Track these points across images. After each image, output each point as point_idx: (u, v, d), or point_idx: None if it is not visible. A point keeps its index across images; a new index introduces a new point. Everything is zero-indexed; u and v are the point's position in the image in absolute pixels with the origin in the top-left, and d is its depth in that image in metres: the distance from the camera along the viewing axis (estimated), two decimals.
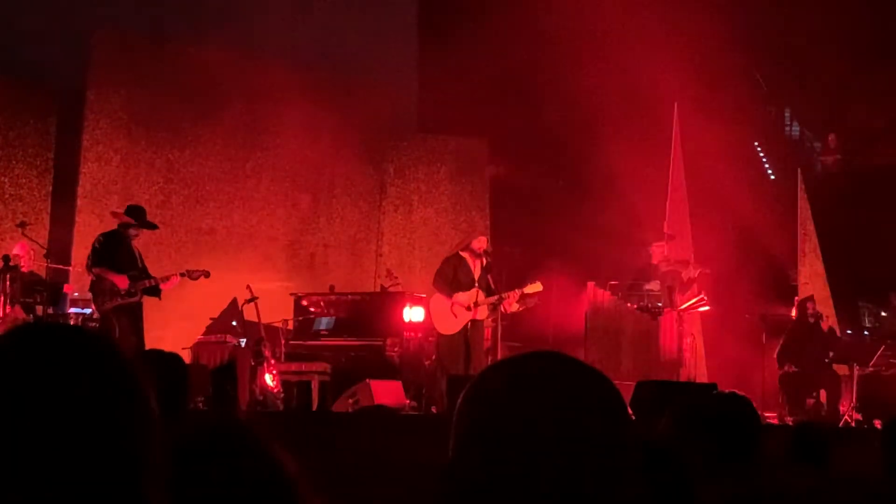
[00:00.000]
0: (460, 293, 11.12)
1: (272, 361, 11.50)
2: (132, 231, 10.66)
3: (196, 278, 10.93)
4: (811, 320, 13.30)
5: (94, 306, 10.70)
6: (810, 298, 13.68)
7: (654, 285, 13.41)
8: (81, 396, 1.21)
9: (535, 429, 1.37)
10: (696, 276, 13.39)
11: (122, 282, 10.36)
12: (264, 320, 12.00)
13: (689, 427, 3.13)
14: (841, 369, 12.84)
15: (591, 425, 1.38)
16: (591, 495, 1.37)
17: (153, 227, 10.99)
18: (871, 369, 12.56)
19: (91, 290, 10.58)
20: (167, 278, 10.60)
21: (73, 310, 12.14)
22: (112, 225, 10.93)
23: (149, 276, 10.61)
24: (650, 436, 2.63)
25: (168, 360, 4.66)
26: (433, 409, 11.09)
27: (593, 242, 14.87)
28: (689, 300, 12.97)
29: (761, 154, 17.98)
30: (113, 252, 10.51)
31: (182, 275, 10.77)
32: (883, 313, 14.96)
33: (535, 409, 1.38)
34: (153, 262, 11.56)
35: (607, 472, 1.38)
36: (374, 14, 15.95)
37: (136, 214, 10.73)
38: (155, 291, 10.61)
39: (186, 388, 4.65)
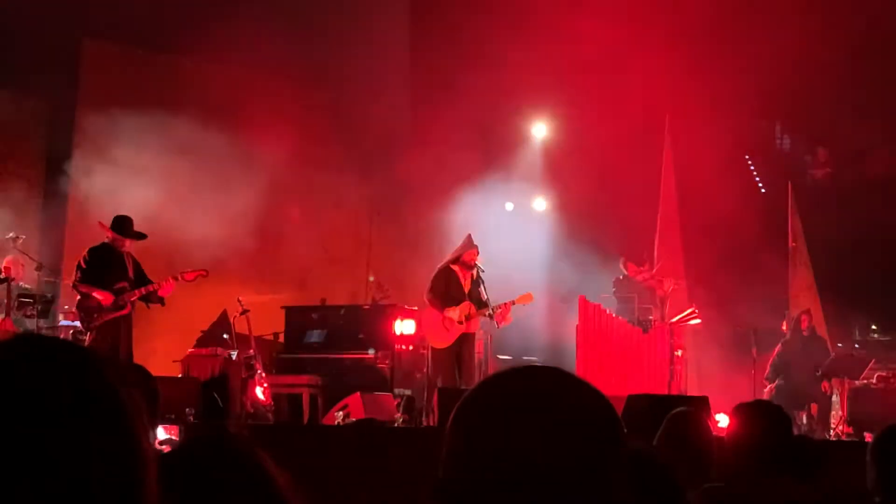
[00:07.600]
0: (451, 308, 11.06)
1: (263, 374, 11.49)
2: (120, 242, 10.54)
3: (192, 279, 10.86)
4: (806, 333, 13.28)
5: (82, 324, 10.60)
6: (807, 312, 13.67)
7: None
8: (63, 411, 1.18)
9: (528, 444, 1.36)
10: (669, 291, 13.41)
11: (105, 299, 10.29)
12: (255, 333, 11.99)
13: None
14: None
15: (586, 440, 1.38)
16: None
17: (141, 236, 10.77)
18: (861, 383, 12.56)
19: (78, 307, 10.51)
20: (160, 284, 10.56)
21: (63, 322, 12.07)
22: (102, 237, 10.83)
23: (146, 283, 10.54)
24: (642, 448, 2.63)
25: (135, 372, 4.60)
26: (424, 423, 11.06)
27: (584, 254, 14.88)
28: (673, 315, 13.00)
29: (752, 167, 18.01)
30: (101, 266, 10.42)
31: (176, 278, 10.71)
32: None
33: (529, 423, 1.38)
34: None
35: (600, 487, 1.37)
36: (366, 27, 15.96)
37: (121, 225, 10.61)
38: (157, 298, 10.56)
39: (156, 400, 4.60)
